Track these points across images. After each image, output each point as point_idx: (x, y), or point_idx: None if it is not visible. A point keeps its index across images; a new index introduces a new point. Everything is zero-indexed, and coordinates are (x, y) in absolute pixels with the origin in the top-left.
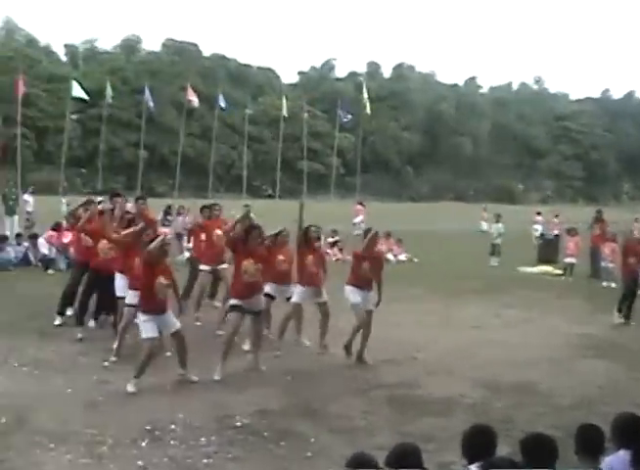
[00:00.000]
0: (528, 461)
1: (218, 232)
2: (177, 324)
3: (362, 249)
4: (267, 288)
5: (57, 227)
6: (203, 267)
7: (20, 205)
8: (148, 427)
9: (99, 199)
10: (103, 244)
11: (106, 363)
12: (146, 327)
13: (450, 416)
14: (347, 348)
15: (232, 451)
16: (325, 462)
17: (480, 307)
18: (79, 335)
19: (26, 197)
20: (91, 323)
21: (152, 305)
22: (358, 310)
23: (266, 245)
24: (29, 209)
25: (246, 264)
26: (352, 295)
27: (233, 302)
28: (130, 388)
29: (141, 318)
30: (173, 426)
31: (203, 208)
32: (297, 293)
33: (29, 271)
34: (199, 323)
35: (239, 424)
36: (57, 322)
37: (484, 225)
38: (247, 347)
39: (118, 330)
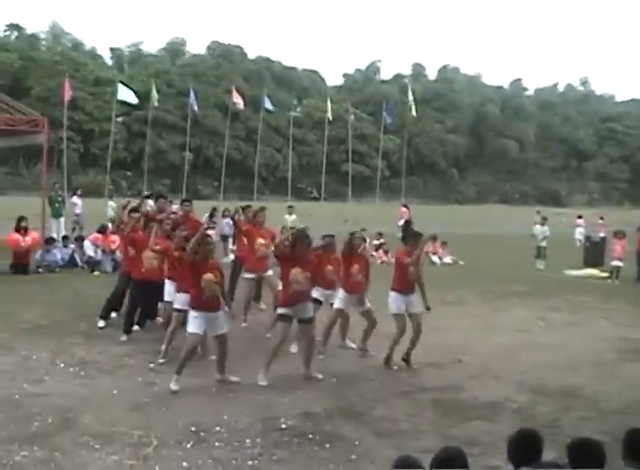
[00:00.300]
0: (575, 466)
1: (261, 241)
2: (224, 327)
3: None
4: (314, 293)
5: (102, 230)
6: (247, 275)
7: (66, 207)
8: (193, 428)
9: (149, 202)
10: (147, 253)
11: (151, 365)
12: (193, 323)
13: (495, 420)
14: (388, 360)
15: (277, 453)
16: (369, 465)
17: (526, 311)
18: (123, 338)
19: (75, 199)
20: (135, 327)
21: (200, 303)
22: (400, 319)
23: (315, 253)
24: (78, 211)
25: (294, 273)
26: (394, 303)
27: (281, 311)
28: (173, 386)
29: (191, 314)
30: (218, 428)
31: (243, 208)
32: (339, 299)
33: (75, 273)
34: (244, 324)
35: (284, 426)
36: (100, 325)
37: (538, 228)
38: (294, 349)
39: (167, 333)
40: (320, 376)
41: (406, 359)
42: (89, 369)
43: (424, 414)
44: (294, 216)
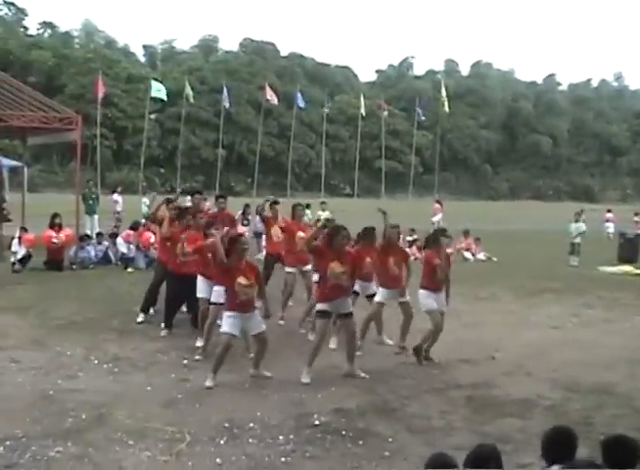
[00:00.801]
0: (609, 463)
1: (301, 234)
2: (262, 326)
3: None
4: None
5: (135, 226)
6: (289, 269)
7: (100, 204)
8: (226, 425)
9: (187, 198)
10: (180, 247)
11: (185, 361)
12: (228, 322)
13: (528, 417)
14: (418, 351)
15: (310, 450)
16: (402, 462)
17: (559, 307)
18: (163, 333)
19: (115, 196)
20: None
21: (234, 304)
22: (435, 315)
23: (355, 245)
24: (119, 208)
25: (332, 267)
26: (426, 300)
27: (320, 306)
28: (208, 382)
29: (225, 313)
30: (251, 424)
31: (272, 203)
32: (380, 293)
33: (109, 269)
34: (282, 322)
35: (317, 423)
36: (139, 319)
37: (582, 226)
38: (333, 345)
39: (204, 329)
40: (364, 375)
41: (417, 350)
42: (122, 365)
43: (457, 411)
44: (327, 213)
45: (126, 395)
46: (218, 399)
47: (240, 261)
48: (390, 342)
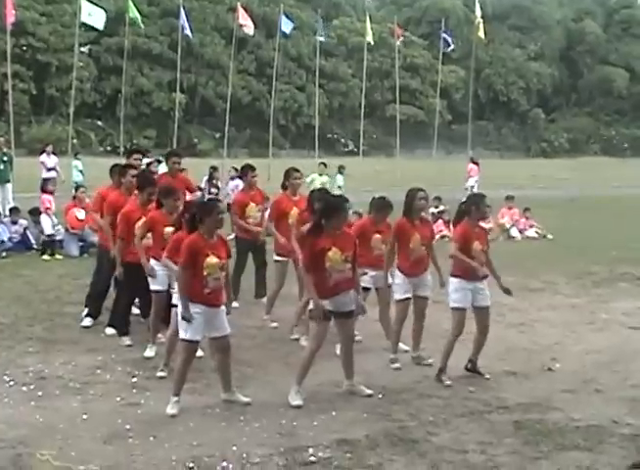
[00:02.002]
0: None
1: (296, 210)
2: (227, 328)
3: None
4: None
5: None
6: (277, 258)
7: (12, 170)
8: (190, 465)
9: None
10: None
11: (134, 380)
12: (188, 324)
13: (599, 450)
14: (440, 373)
15: None
16: None
17: None
18: (126, 342)
19: (44, 158)
20: (109, 330)
21: (200, 296)
22: (460, 315)
23: (361, 221)
24: (51, 174)
25: (330, 255)
26: (456, 293)
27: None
28: (170, 409)
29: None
30: (224, 463)
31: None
32: (397, 285)
33: (29, 258)
34: (274, 324)
35: (313, 459)
36: (85, 323)
37: None
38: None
39: (167, 339)
40: (368, 391)
41: (473, 368)
42: (48, 387)
43: (501, 442)
44: (325, 178)
45: (53, 427)
46: (180, 430)
47: (211, 235)
48: (406, 347)
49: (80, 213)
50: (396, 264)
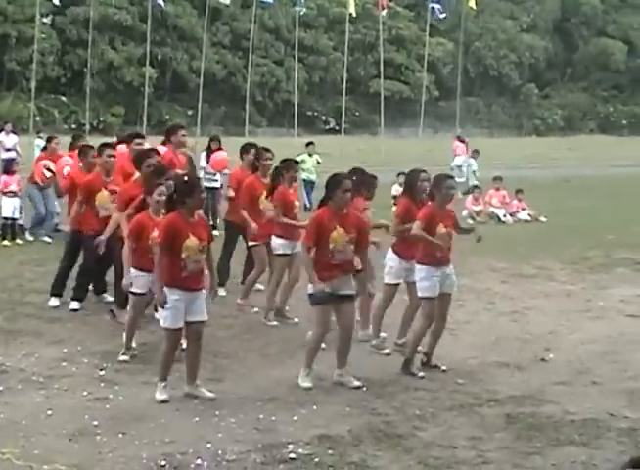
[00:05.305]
0: None
1: (264, 198)
2: (204, 314)
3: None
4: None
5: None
6: (252, 243)
7: None
8: (162, 462)
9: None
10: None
11: (102, 373)
12: (170, 311)
13: (595, 445)
14: (408, 364)
15: None
16: None
17: (639, 288)
18: (74, 306)
19: (3, 137)
20: (74, 305)
21: (179, 279)
22: (429, 305)
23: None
24: (10, 154)
25: (334, 236)
26: (424, 282)
27: (316, 287)
28: (160, 395)
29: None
30: (199, 460)
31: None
32: (390, 268)
33: None
34: (256, 310)
35: (292, 456)
36: (73, 307)
37: None
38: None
39: (126, 323)
40: (357, 383)
41: (428, 362)
42: (10, 381)
43: (492, 437)
44: (315, 157)
45: (15, 424)
46: (151, 426)
47: (192, 215)
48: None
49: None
50: (392, 247)
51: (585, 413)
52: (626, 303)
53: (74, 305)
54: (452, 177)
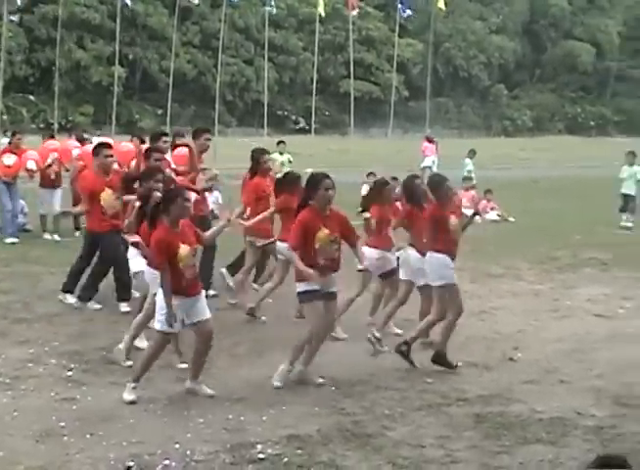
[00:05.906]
0: None
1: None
2: (207, 312)
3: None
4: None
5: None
6: (250, 239)
7: None
8: (130, 463)
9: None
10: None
11: (70, 373)
12: (167, 316)
13: (563, 443)
14: (408, 346)
15: None
16: None
17: (606, 287)
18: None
19: None
20: (70, 299)
21: (180, 287)
22: (451, 292)
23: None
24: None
25: (320, 236)
26: (441, 270)
27: (307, 286)
28: (128, 396)
29: (162, 304)
30: (167, 461)
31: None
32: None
33: None
34: (264, 318)
35: (261, 456)
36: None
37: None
38: (344, 335)
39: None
40: (320, 380)
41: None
42: None
43: (461, 436)
44: (286, 156)
45: None
46: (118, 427)
47: (176, 224)
48: (399, 330)
49: (9, 159)
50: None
51: (552, 412)
52: (593, 302)
53: (74, 301)
54: (446, 178)
